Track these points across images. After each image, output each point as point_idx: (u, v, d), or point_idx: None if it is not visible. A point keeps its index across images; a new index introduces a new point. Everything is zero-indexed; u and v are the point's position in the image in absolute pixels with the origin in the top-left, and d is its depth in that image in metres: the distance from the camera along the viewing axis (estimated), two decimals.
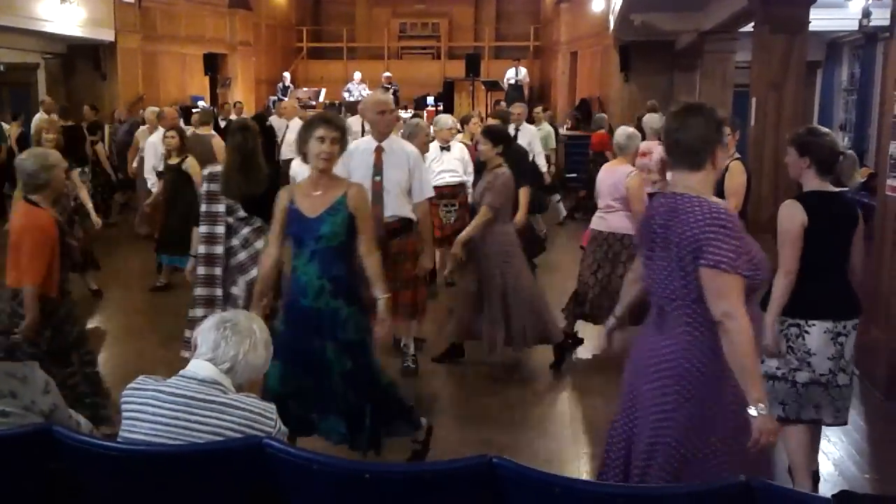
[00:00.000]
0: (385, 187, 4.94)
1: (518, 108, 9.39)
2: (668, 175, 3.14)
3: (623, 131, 5.95)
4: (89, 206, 7.23)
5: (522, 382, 5.48)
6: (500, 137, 5.53)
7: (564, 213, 12.08)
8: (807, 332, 3.64)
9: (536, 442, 4.57)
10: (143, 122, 10.98)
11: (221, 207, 5.02)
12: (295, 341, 3.77)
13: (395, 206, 4.99)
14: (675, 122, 2.73)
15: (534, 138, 9.28)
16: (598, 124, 12.99)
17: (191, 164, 7.17)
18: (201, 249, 5.08)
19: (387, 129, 5.09)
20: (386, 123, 5.05)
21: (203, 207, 5.06)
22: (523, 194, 6.45)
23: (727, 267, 2.53)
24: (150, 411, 2.40)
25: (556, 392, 5.37)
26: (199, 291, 5.12)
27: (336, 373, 3.76)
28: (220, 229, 5.04)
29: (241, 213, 5.05)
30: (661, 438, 2.71)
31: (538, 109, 12.95)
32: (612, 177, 5.78)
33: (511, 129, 8.88)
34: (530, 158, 8.42)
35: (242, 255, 5.06)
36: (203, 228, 5.06)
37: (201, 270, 5.09)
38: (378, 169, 4.96)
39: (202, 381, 2.45)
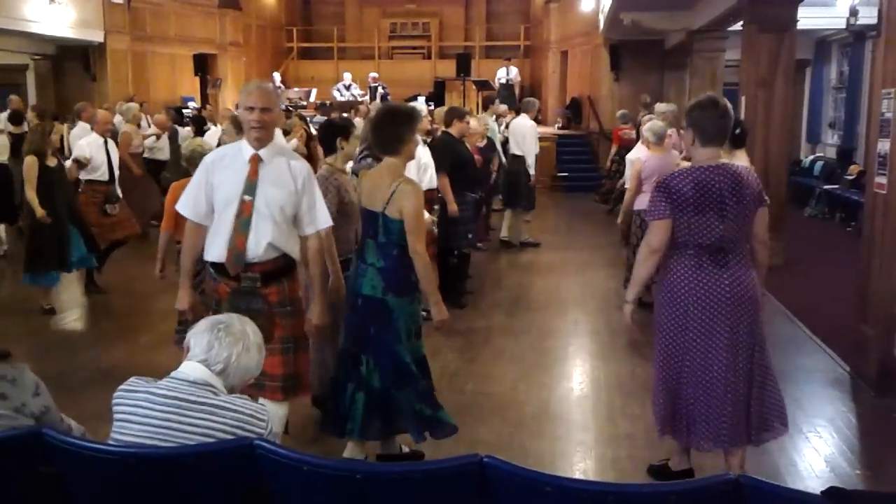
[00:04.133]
0: (258, 209, 3.62)
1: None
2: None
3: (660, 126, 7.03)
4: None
5: (514, 381, 5.49)
6: None
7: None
8: None
9: (528, 441, 4.58)
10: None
11: None
12: None
13: (273, 238, 3.66)
14: (726, 114, 3.60)
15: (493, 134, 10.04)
16: (625, 118, 12.77)
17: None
18: None
19: (267, 135, 3.67)
20: (267, 123, 3.65)
21: None
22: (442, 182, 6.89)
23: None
24: (141, 413, 2.40)
25: (548, 391, 5.37)
26: None
27: None
28: None
29: None
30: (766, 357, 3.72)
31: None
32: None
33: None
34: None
35: None
36: None
37: None
38: (251, 185, 3.64)
39: (193, 383, 2.45)
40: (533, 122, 10.10)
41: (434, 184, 6.68)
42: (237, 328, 2.58)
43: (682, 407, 3.70)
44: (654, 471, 4.14)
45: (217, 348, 2.51)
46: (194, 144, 5.38)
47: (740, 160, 5.52)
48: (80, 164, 7.68)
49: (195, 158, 4.86)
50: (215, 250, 3.67)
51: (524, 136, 9.83)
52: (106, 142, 7.82)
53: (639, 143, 7.68)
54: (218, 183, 3.65)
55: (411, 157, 4.11)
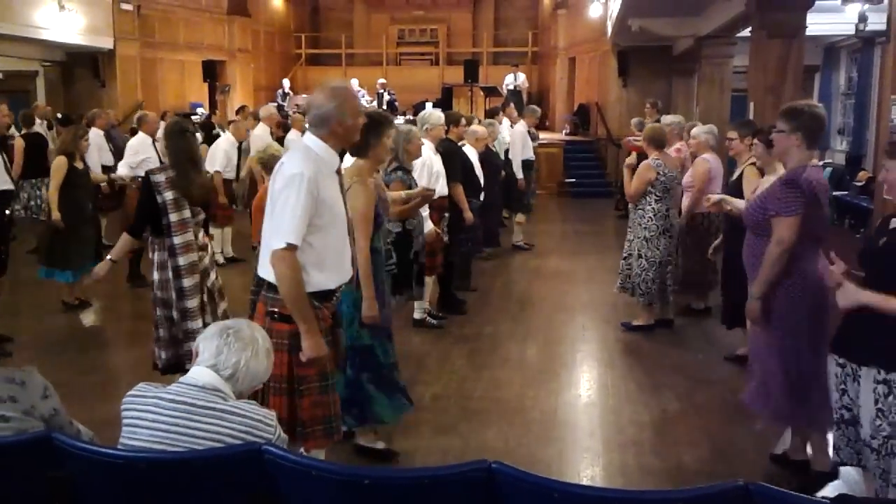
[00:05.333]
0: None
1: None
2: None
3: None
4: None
5: (522, 387, 5.48)
6: None
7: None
8: None
9: (535, 447, 4.57)
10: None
11: (188, 213, 4.83)
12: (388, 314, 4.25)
13: None
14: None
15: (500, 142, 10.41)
16: (641, 126, 12.53)
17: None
18: (181, 261, 4.78)
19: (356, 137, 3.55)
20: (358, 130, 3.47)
21: (172, 217, 4.76)
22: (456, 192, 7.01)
23: None
24: (150, 418, 2.41)
25: (556, 397, 5.36)
26: (191, 303, 4.83)
27: None
28: (192, 236, 4.84)
29: (201, 217, 4.94)
30: None
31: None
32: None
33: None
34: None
35: (206, 260, 4.96)
36: (177, 239, 4.76)
37: (187, 282, 4.81)
38: (344, 197, 3.46)
39: (202, 388, 2.45)
40: (522, 129, 10.44)
41: (446, 191, 6.69)
42: (247, 333, 2.58)
43: (807, 392, 3.89)
44: (776, 458, 4.25)
45: (226, 353, 2.52)
46: (273, 150, 5.29)
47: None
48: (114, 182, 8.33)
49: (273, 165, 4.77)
50: (336, 273, 3.34)
51: (513, 141, 10.29)
52: (154, 141, 8.24)
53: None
54: (327, 198, 3.21)
55: (379, 160, 4.30)
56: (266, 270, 3.23)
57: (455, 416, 4.98)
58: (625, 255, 6.82)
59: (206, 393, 2.44)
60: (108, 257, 4.91)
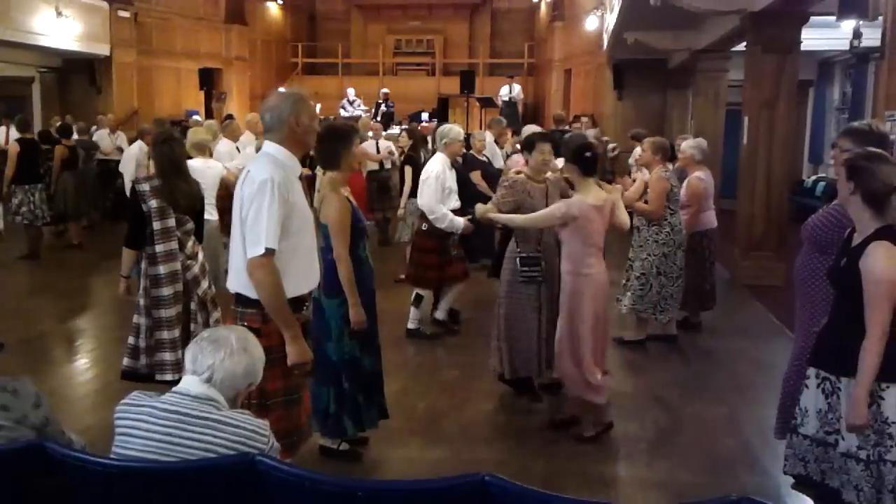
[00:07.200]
0: None
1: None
2: None
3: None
4: None
5: (515, 399, 5.46)
6: None
7: None
8: (881, 397, 3.06)
9: (529, 459, 4.56)
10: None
11: (172, 222, 4.83)
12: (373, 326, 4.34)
13: None
14: None
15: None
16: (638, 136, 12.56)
17: None
18: (162, 269, 4.78)
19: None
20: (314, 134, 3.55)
21: (156, 225, 4.77)
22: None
23: None
24: (143, 427, 2.40)
25: (554, 411, 5.36)
26: (167, 313, 4.83)
27: None
28: (176, 244, 4.84)
29: (190, 226, 4.93)
30: None
31: None
32: None
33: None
34: None
35: (196, 268, 4.95)
36: (160, 247, 4.79)
37: (166, 291, 4.81)
38: (312, 204, 3.74)
39: (195, 398, 2.45)
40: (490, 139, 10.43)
41: (458, 205, 6.55)
42: (220, 334, 2.59)
43: None
44: None
45: (201, 357, 2.52)
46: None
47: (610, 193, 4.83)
48: None
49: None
50: (306, 279, 3.37)
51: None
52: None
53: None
54: (297, 203, 3.23)
55: (351, 169, 4.40)
56: (235, 283, 3.23)
57: (448, 427, 4.97)
58: (637, 273, 6.48)
59: (200, 403, 2.44)
60: (120, 273, 5.01)
